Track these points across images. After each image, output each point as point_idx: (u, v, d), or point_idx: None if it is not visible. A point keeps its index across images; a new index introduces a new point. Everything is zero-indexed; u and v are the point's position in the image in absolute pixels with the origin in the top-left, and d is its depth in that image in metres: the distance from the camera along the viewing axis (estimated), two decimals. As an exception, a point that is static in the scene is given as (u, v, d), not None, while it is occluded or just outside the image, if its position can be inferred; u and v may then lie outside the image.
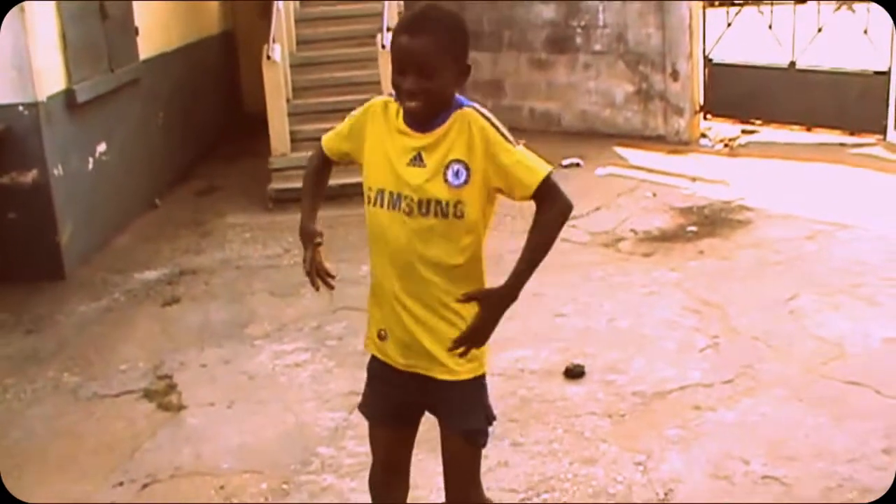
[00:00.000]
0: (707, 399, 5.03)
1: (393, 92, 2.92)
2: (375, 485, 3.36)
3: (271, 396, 5.40)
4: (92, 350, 6.22)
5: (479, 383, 3.07)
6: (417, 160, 2.87)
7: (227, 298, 7.04)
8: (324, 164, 3.24)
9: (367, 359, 5.80)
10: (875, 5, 10.59)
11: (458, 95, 2.93)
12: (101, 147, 8.53)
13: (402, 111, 2.90)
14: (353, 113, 3.07)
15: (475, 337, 2.89)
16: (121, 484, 4.59)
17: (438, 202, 2.85)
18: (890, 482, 4.14)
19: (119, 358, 6.06)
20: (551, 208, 2.87)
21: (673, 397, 5.09)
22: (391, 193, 2.89)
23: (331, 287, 3.18)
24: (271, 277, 7.38)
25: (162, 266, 7.85)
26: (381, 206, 2.92)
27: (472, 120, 2.86)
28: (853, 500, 4.08)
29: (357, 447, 4.73)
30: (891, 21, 10.00)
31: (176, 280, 7.49)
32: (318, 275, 3.19)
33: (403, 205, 2.87)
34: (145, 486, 4.57)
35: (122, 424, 5.21)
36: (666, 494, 4.21)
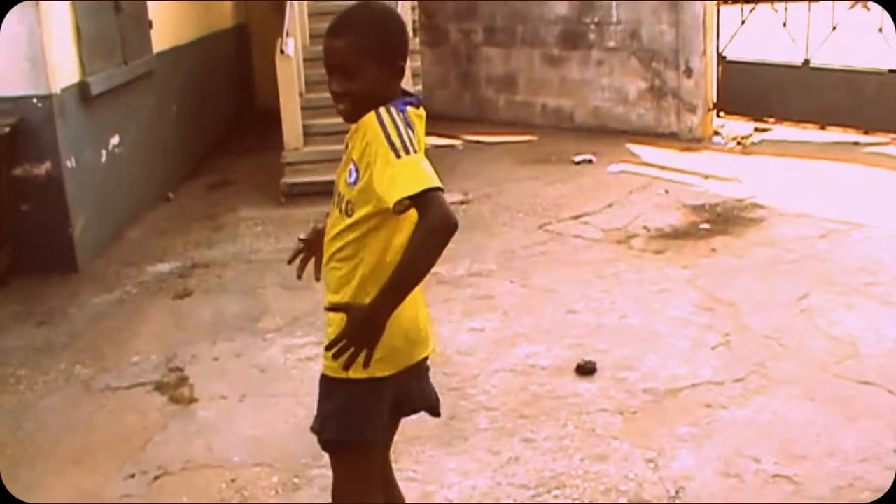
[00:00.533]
0: (718, 397, 5.02)
1: None
2: None
3: (283, 390, 5.41)
4: (104, 342, 6.24)
5: (340, 386, 2.89)
6: (346, 161, 2.88)
7: (239, 292, 7.06)
8: None
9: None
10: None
11: (402, 96, 2.85)
12: (115, 140, 8.55)
13: None
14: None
15: (335, 346, 2.65)
16: (132, 476, 4.60)
17: (343, 198, 2.85)
18: (902, 482, 4.15)
19: (131, 350, 6.08)
20: (420, 225, 2.59)
21: (684, 395, 5.08)
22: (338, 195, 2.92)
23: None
24: (283, 271, 7.36)
25: (174, 259, 7.87)
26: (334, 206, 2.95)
27: (368, 124, 2.72)
28: (865, 499, 4.07)
29: (368, 442, 4.73)
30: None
31: (188, 273, 7.51)
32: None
33: (332, 206, 2.94)
34: (156, 478, 4.58)
35: (133, 417, 5.22)
36: (677, 492, 4.20)
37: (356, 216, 2.79)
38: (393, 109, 2.73)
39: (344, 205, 2.83)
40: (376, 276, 2.75)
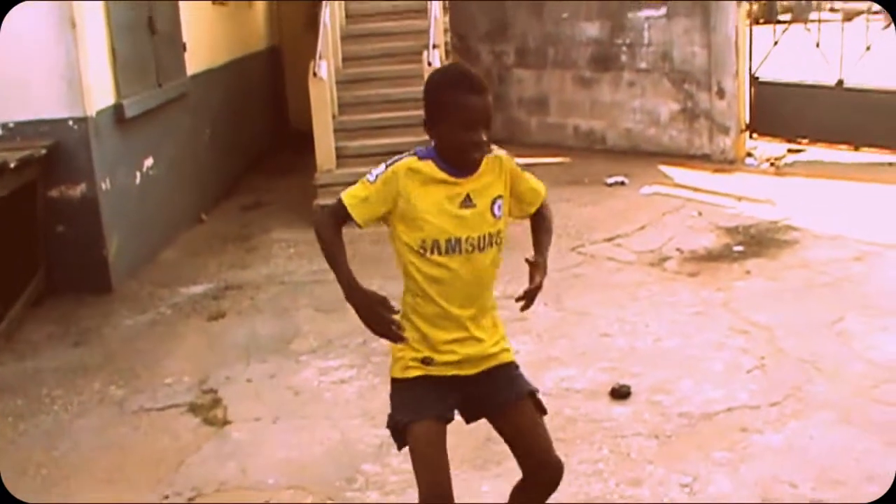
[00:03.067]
0: (754, 421, 4.98)
1: (413, 152, 3.25)
2: (443, 495, 3.33)
3: (316, 412, 5.41)
4: (138, 363, 6.26)
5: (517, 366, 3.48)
6: (468, 202, 3.23)
7: (272, 313, 7.07)
8: (339, 229, 3.35)
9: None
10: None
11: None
12: (149, 161, 8.61)
13: (436, 166, 3.21)
14: (373, 179, 3.24)
15: (536, 291, 3.31)
16: (166, 497, 4.61)
17: (491, 234, 3.27)
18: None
19: (165, 371, 6.11)
20: (546, 208, 3.52)
21: (720, 419, 5.04)
22: (448, 240, 3.22)
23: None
24: (316, 293, 7.40)
25: (208, 280, 7.90)
26: (440, 253, 3.23)
27: (504, 162, 3.31)
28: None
29: (402, 464, 4.71)
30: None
31: (221, 295, 7.54)
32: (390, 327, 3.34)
33: (465, 246, 3.23)
34: (191, 500, 4.58)
35: (167, 438, 5.24)
36: (713, 517, 4.18)
37: (502, 232, 3.32)
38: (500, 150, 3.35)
39: (489, 237, 3.27)
40: None
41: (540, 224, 3.52)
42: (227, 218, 10.09)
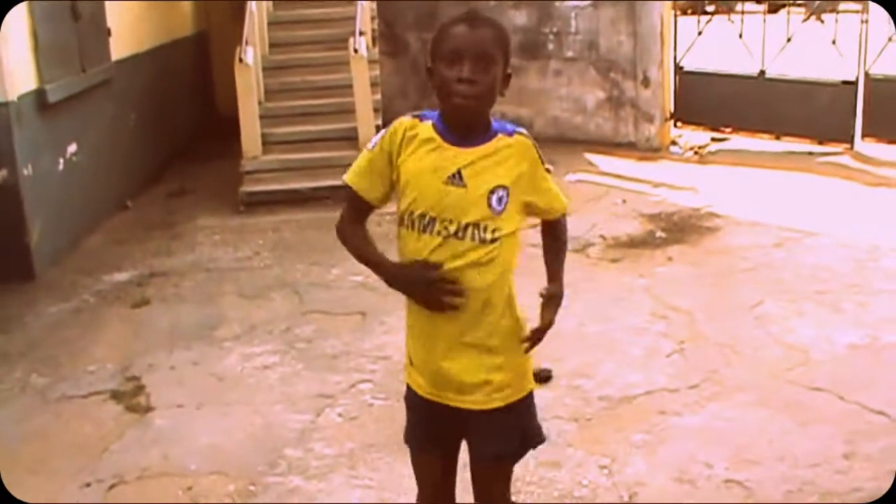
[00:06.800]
0: (673, 404, 5.08)
1: (416, 113, 2.90)
2: None
3: (239, 398, 5.41)
4: (61, 351, 6.21)
5: (511, 409, 2.98)
6: (456, 179, 2.79)
7: (196, 300, 7.04)
8: (356, 220, 2.98)
9: (336, 362, 5.86)
10: (842, 17, 10.77)
11: (493, 119, 2.89)
12: (72, 148, 8.51)
13: (433, 127, 2.83)
14: (371, 146, 2.90)
15: (543, 334, 3.03)
16: (88, 485, 4.59)
17: (477, 226, 2.79)
18: (850, 486, 4.22)
19: (88, 359, 6.06)
20: (560, 220, 3.11)
21: (639, 402, 5.13)
22: (423, 214, 2.81)
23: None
24: (241, 280, 7.38)
25: (132, 268, 7.84)
26: (412, 228, 2.83)
27: (526, 150, 2.87)
28: (815, 503, 4.14)
29: (324, 449, 4.76)
30: (857, 31, 10.16)
31: (146, 282, 7.49)
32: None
33: (438, 227, 2.80)
34: (112, 486, 4.57)
35: (90, 426, 5.21)
36: (630, 498, 4.25)
37: (505, 237, 2.86)
38: (526, 132, 2.91)
39: (476, 230, 2.80)
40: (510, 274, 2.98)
41: (552, 242, 3.13)
42: (153, 205, 10.00)
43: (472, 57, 2.70)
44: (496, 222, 2.81)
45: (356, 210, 2.95)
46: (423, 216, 2.80)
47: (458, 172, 2.78)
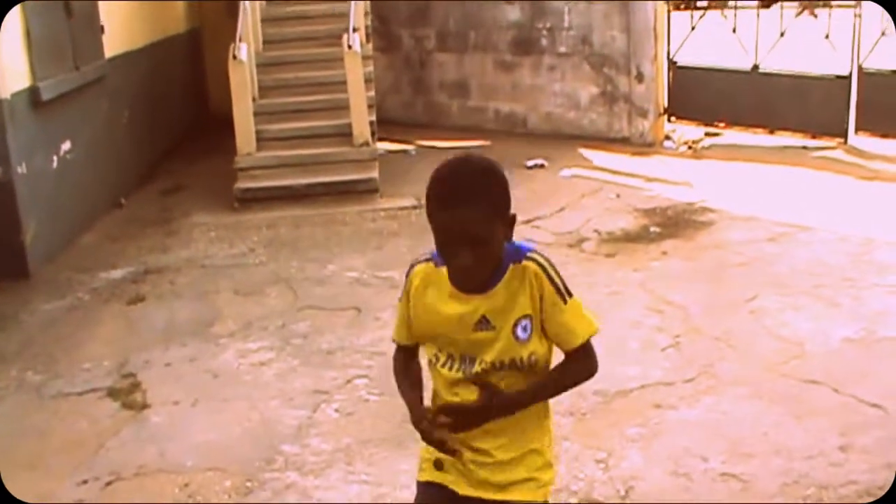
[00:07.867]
0: (668, 397, 5.09)
1: (430, 256, 2.77)
2: None
3: (236, 394, 5.42)
4: (56, 349, 6.20)
5: None
6: (484, 324, 2.68)
7: (192, 297, 7.05)
8: (409, 358, 2.95)
9: (332, 357, 5.86)
10: (835, 11, 10.79)
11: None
12: (66, 145, 8.50)
13: (445, 274, 2.71)
14: (401, 296, 2.85)
15: (457, 416, 2.72)
16: (85, 482, 4.59)
17: (513, 360, 2.70)
18: (845, 479, 4.23)
19: (83, 356, 6.06)
20: (581, 363, 2.82)
21: (634, 396, 5.14)
22: (462, 357, 2.73)
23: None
24: (236, 276, 7.39)
25: (127, 265, 7.83)
26: (451, 369, 2.76)
27: (535, 276, 2.66)
28: (810, 496, 4.15)
29: (321, 445, 4.76)
30: (850, 26, 10.18)
31: (141, 279, 7.48)
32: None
33: (477, 369, 2.70)
34: (109, 483, 4.57)
35: (86, 423, 5.21)
36: (626, 491, 4.26)
37: (539, 358, 2.73)
38: (537, 254, 2.71)
39: (517, 362, 2.70)
40: None
41: (557, 367, 2.82)
42: (147, 202, 10.00)
43: (467, 242, 2.56)
44: (528, 348, 2.69)
45: (404, 351, 2.94)
46: (451, 356, 2.76)
47: (484, 318, 2.68)
